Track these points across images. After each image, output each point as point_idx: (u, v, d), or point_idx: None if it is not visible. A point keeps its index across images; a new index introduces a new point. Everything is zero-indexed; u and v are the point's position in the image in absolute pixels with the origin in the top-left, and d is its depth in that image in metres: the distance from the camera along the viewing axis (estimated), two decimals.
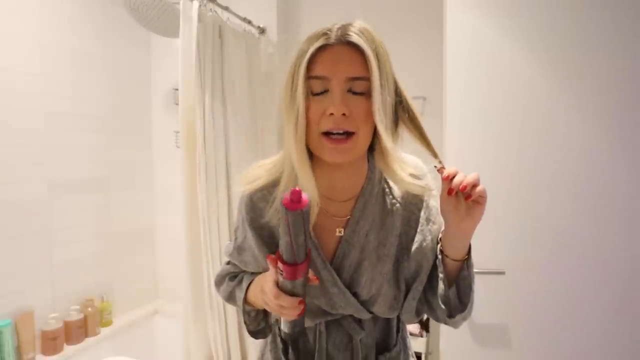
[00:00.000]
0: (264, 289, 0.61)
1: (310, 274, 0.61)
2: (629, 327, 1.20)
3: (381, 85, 0.58)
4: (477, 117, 1.25)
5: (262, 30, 1.96)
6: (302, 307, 0.59)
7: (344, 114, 0.58)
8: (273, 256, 0.58)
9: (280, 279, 0.58)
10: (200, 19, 1.54)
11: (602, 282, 1.20)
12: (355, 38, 0.58)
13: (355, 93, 0.60)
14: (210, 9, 1.65)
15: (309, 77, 0.60)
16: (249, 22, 1.89)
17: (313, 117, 0.60)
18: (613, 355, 1.21)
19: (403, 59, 1.75)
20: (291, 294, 0.58)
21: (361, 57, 0.59)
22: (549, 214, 1.22)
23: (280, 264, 0.56)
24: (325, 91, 0.60)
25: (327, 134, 0.60)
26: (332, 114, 0.58)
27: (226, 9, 1.74)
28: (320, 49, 0.59)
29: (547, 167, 1.21)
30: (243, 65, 1.78)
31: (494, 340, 1.27)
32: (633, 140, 1.17)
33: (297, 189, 0.52)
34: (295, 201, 0.52)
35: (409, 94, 0.65)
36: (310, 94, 0.60)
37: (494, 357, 1.28)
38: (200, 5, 1.54)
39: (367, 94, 0.59)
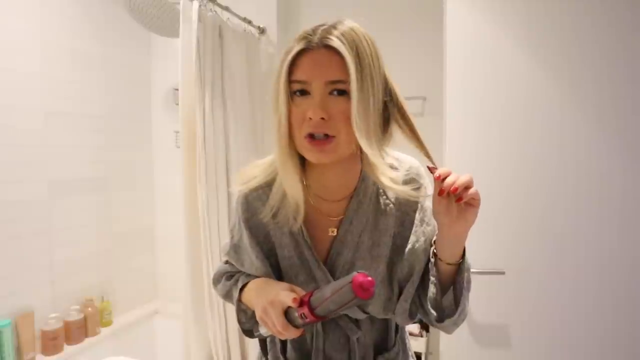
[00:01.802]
0: (269, 313, 0.61)
1: None
2: (629, 327, 1.19)
3: (362, 88, 0.57)
4: (477, 117, 1.25)
5: (262, 30, 1.96)
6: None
7: (322, 118, 0.58)
8: (298, 298, 0.59)
9: (295, 314, 0.59)
10: (200, 19, 1.53)
11: (602, 282, 1.20)
12: (335, 42, 0.57)
13: (336, 95, 0.59)
14: (210, 9, 1.65)
15: (290, 81, 0.60)
16: (249, 22, 1.89)
17: (295, 121, 0.60)
18: (613, 354, 1.21)
19: (403, 59, 1.78)
20: (296, 327, 0.60)
21: (342, 59, 0.58)
22: (549, 214, 1.22)
23: (307, 311, 0.57)
24: (308, 94, 0.60)
25: (309, 135, 0.60)
26: (311, 118, 0.58)
27: (226, 9, 1.74)
28: (302, 52, 0.59)
29: (547, 167, 1.21)
30: (243, 65, 1.78)
31: (494, 340, 1.27)
32: (633, 139, 1.16)
33: (371, 278, 0.53)
34: (365, 290, 0.53)
35: (404, 92, 0.64)
36: (293, 96, 0.60)
37: (494, 357, 1.27)
38: (200, 5, 1.54)
39: (348, 96, 0.59)
